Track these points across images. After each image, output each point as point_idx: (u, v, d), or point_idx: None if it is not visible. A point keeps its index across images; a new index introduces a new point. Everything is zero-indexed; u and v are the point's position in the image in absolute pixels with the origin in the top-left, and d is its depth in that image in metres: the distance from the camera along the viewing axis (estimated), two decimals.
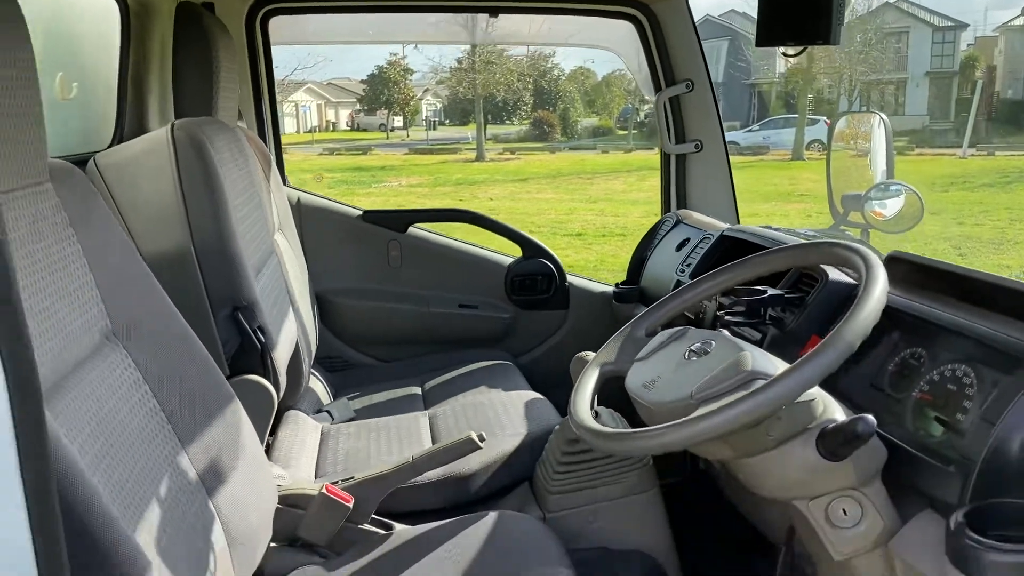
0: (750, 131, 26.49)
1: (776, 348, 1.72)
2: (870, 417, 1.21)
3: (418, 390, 2.57)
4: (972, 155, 21.27)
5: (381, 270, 2.88)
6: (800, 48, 1.97)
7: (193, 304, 1.72)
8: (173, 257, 1.73)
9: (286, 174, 2.91)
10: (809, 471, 1.29)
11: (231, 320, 1.76)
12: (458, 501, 1.85)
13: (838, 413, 1.30)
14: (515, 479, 1.94)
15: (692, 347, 1.40)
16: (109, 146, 2.13)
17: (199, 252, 1.74)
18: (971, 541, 1.13)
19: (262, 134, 2.76)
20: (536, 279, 2.89)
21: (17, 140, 1.12)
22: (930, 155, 21.27)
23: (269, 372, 1.80)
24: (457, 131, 34.09)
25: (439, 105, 38.42)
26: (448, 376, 2.59)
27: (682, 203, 2.87)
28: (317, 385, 2.54)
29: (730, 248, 2.25)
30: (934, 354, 1.49)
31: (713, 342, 1.39)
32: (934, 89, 31.61)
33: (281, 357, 1.88)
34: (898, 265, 1.71)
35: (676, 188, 2.86)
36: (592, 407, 1.44)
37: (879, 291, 1.26)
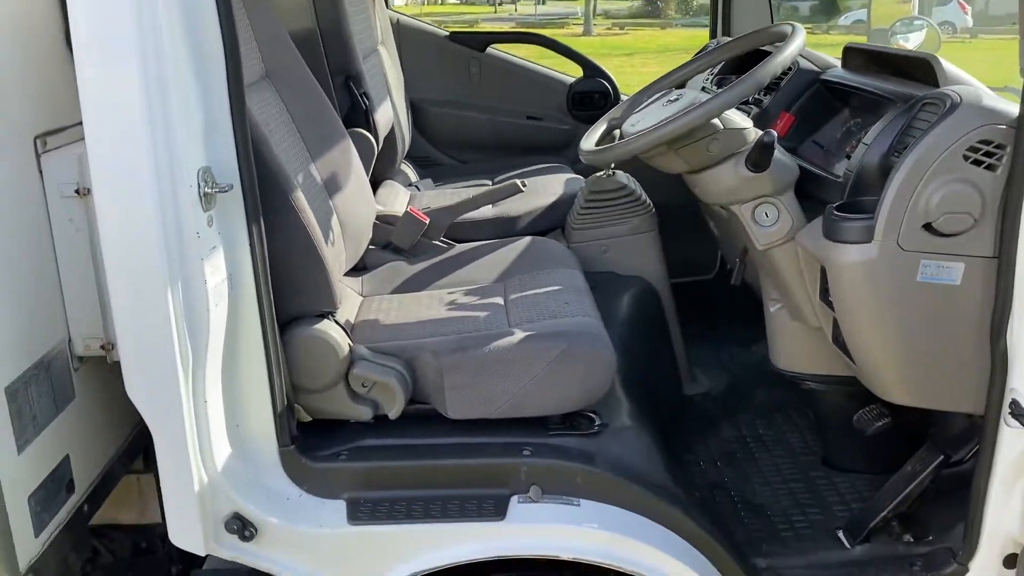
0: None
1: (756, 121, 2.22)
2: (772, 131, 1.74)
3: (488, 181, 3.17)
4: None
5: (463, 84, 3.47)
6: None
7: (318, 72, 2.34)
8: (304, 37, 2.36)
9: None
10: (740, 181, 1.82)
11: (344, 87, 2.40)
12: (505, 235, 2.46)
13: None
14: (551, 225, 2.54)
15: (669, 97, 1.93)
16: None
17: (322, 33, 2.37)
18: (834, 217, 1.66)
19: None
20: (594, 96, 3.41)
21: None
22: None
23: (371, 127, 2.44)
24: (566, 6, 33.43)
25: None
26: (514, 173, 3.18)
27: (727, 31, 3.28)
28: (409, 171, 3.18)
29: (746, 58, 2.70)
30: (867, 120, 1.97)
31: (683, 93, 1.91)
32: None
33: (380, 121, 2.51)
34: (855, 54, 2.16)
35: (722, 18, 3.27)
36: (600, 141, 2.01)
37: (791, 49, 1.75)
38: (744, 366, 2.64)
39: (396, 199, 2.71)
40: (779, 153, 1.80)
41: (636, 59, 18.80)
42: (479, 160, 3.44)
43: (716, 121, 1.76)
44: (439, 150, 3.49)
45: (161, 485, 1.54)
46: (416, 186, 3.00)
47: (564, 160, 3.34)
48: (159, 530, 2.07)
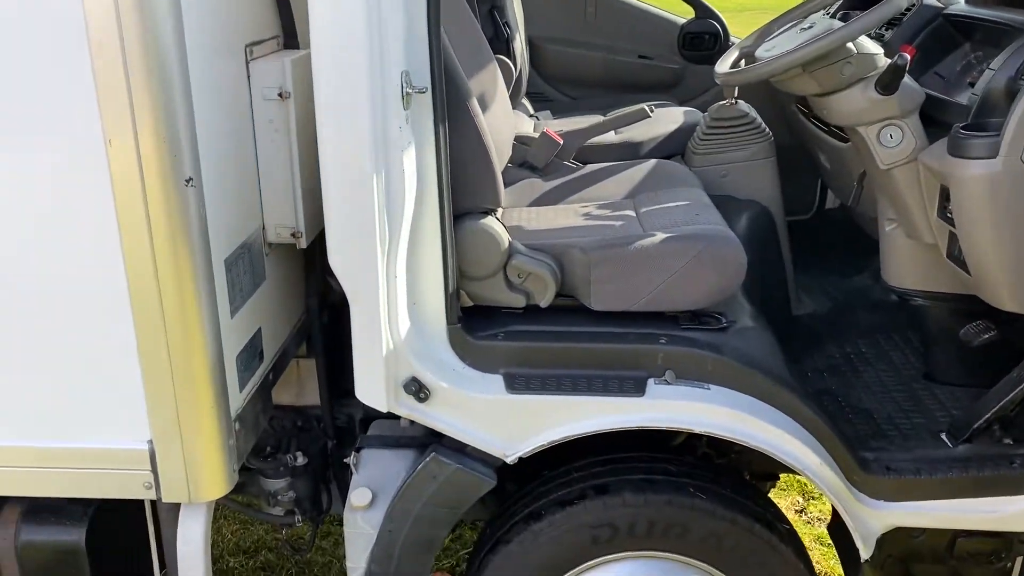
0: None
1: None
2: (905, 54, 1.87)
3: (601, 117, 3.34)
4: None
5: (579, 23, 3.63)
6: None
7: (469, 4, 2.55)
8: None
9: None
10: (869, 103, 1.97)
11: (489, 15, 2.59)
12: (629, 159, 2.64)
13: None
14: (671, 151, 2.72)
15: (802, 26, 2.08)
16: None
17: None
18: (960, 135, 1.80)
19: None
20: (704, 37, 3.54)
21: None
22: None
23: (511, 55, 2.63)
24: None
25: None
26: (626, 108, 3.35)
27: None
28: (527, 104, 3.37)
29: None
30: (988, 52, 2.08)
31: (815, 21, 2.05)
32: None
33: (516, 49, 2.70)
34: None
35: None
36: (732, 66, 2.17)
37: None
38: (847, 293, 2.79)
39: (522, 123, 2.92)
40: (906, 78, 1.94)
41: None
42: (590, 97, 3.61)
43: (850, 45, 1.90)
44: (552, 86, 3.68)
45: (354, 348, 1.79)
46: (536, 117, 3.19)
47: (672, 99, 3.49)
48: (315, 411, 2.34)
